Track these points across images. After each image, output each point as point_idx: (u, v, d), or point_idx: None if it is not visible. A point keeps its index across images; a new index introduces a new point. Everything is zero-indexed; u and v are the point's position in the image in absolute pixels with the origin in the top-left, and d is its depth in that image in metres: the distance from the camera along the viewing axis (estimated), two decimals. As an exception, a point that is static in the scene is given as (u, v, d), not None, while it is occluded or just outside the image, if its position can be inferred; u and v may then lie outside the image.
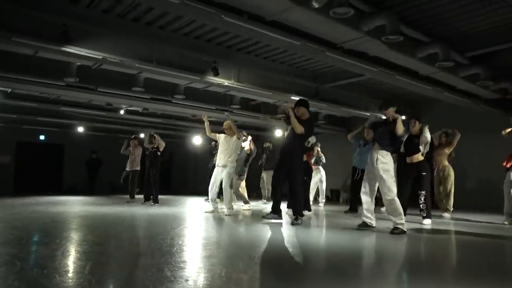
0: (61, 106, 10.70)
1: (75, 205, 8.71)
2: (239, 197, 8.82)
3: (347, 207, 8.47)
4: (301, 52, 6.92)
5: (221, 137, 7.55)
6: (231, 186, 7.51)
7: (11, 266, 2.82)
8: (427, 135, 6.39)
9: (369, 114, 11.04)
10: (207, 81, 7.99)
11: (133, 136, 11.08)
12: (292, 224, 5.71)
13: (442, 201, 7.91)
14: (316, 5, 4.65)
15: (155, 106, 10.38)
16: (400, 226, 4.94)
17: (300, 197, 5.98)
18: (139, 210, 7.79)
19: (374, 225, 5.29)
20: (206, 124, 7.79)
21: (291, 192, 6.01)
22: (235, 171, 7.72)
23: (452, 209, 7.78)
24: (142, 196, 9.89)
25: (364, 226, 5.27)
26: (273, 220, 5.97)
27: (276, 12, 4.91)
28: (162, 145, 9.50)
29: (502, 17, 5.88)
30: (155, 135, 9.65)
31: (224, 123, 7.62)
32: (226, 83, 8.08)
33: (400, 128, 5.13)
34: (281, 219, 6.11)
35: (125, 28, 6.39)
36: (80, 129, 14.53)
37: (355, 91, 10.03)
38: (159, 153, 9.50)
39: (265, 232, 5.34)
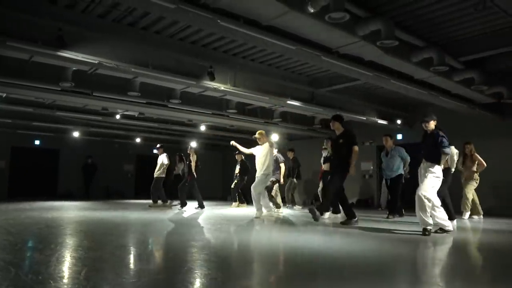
0: (56, 111, 10.66)
1: (70, 210, 8.65)
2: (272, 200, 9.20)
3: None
4: (297, 57, 6.95)
5: (255, 149, 7.93)
6: (268, 191, 8.33)
7: (6, 272, 2.79)
8: (455, 157, 7.04)
9: (364, 118, 11.10)
10: (203, 86, 7.99)
11: (160, 145, 11.17)
12: (311, 211, 6.26)
13: (466, 205, 8.34)
14: (311, 10, 4.67)
15: (151, 110, 10.37)
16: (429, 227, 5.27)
17: (330, 199, 6.51)
18: (134, 216, 7.76)
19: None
20: (240, 148, 8.31)
21: (329, 189, 6.50)
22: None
23: (468, 213, 8.34)
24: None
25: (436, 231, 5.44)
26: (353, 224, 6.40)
27: (272, 16, 4.93)
28: (194, 158, 10.06)
29: (495, 22, 5.94)
30: (192, 150, 10.14)
31: (257, 132, 7.83)
32: (222, 88, 8.08)
33: (446, 148, 5.41)
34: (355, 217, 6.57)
35: (121, 33, 6.39)
36: (76, 134, 14.49)
37: (351, 95, 10.08)
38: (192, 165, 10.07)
39: (262, 236, 5.33)
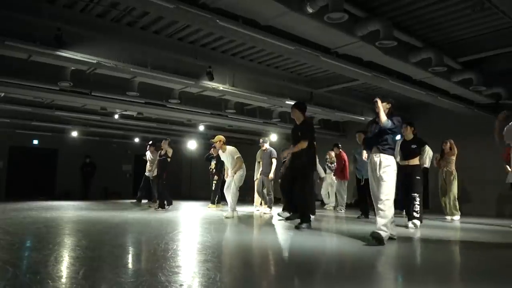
0: (55, 110, 10.66)
1: (68, 210, 8.64)
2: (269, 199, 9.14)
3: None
4: (296, 57, 6.96)
5: (222, 156, 7.88)
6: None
7: (3, 271, 2.79)
8: (430, 154, 6.61)
9: (363, 118, 11.11)
10: (202, 86, 8.00)
11: (150, 142, 11.01)
12: (298, 228, 5.68)
13: (449, 205, 8.15)
14: (310, 10, 4.68)
15: (150, 110, 10.36)
16: (380, 232, 4.30)
17: (310, 202, 6.03)
18: (133, 215, 7.75)
19: (394, 236, 4.61)
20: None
21: (300, 197, 5.87)
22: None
23: (459, 212, 8.09)
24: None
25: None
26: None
27: (271, 17, 4.94)
28: (170, 151, 9.44)
29: (494, 23, 5.95)
30: (163, 142, 9.60)
31: (217, 138, 7.63)
32: (221, 88, 8.09)
33: (382, 118, 4.54)
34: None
35: (119, 32, 6.39)
36: (74, 134, 14.48)
37: (349, 95, 10.11)
38: (169, 160, 9.41)
39: (261, 237, 5.33)
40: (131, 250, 4.15)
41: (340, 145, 10.68)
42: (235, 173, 7.40)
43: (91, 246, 4.04)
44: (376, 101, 4.62)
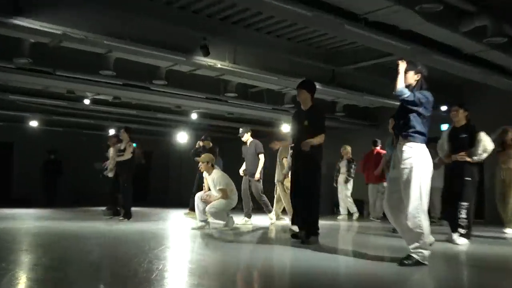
0: (9, 94, 10.71)
1: (27, 220, 8.71)
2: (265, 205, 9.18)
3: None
4: (314, 26, 6.93)
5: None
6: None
7: None
8: (487, 144, 6.17)
9: (398, 103, 11.06)
10: (195, 63, 8.00)
11: (111, 133, 10.94)
12: (304, 242, 5.68)
13: (505, 213, 7.85)
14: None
15: (129, 94, 10.39)
16: (414, 255, 4.12)
17: (316, 211, 5.94)
18: (108, 227, 7.79)
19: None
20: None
21: (306, 201, 5.89)
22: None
23: None
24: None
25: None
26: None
27: (282, -26, 4.90)
28: (129, 149, 8.96)
29: None
30: (122, 131, 9.36)
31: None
32: (219, 65, 8.07)
33: (398, 83, 4.37)
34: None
35: (90, -5, 6.38)
36: (34, 123, 14.51)
37: (382, 74, 9.99)
38: (128, 157, 8.95)
39: (261, 255, 5.34)
40: (105, 271, 4.16)
41: (378, 142, 10.67)
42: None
43: (55, 266, 4.06)
44: (399, 63, 4.43)
